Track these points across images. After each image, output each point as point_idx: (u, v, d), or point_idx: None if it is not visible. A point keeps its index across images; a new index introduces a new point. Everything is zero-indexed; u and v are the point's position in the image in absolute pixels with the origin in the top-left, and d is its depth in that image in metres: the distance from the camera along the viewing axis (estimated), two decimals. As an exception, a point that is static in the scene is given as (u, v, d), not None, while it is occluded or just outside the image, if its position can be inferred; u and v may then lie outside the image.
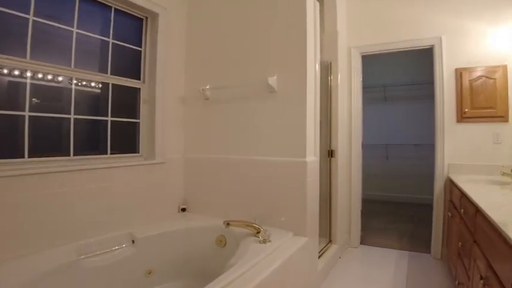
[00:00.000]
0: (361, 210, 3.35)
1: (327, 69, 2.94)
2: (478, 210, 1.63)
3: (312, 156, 2.15)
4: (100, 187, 1.99)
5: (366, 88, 5.24)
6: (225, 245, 2.22)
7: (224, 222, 2.08)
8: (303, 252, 1.99)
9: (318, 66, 2.24)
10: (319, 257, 2.50)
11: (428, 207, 3.08)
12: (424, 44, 3.01)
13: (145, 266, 2.05)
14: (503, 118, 2.75)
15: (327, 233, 2.91)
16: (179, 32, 2.63)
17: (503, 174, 2.46)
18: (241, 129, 2.37)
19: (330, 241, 2.89)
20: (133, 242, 2.03)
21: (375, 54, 3.30)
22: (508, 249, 1.10)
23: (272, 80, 2.18)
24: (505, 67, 2.73)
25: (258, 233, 1.94)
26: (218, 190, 2.45)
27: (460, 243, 1.98)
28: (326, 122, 2.94)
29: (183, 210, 2.63)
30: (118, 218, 2.09)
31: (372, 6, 3.26)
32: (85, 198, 1.90)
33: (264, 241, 1.87)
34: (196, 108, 2.62)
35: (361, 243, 3.31)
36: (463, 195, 2.03)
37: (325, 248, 2.72)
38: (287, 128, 2.15)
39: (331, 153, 2.93)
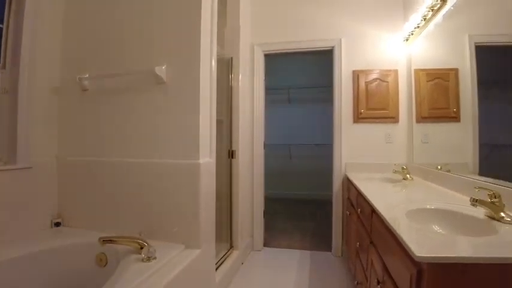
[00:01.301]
0: (265, 211, 3.25)
1: (228, 66, 2.74)
2: (373, 211, 1.61)
3: (207, 158, 1.91)
4: None
5: (271, 90, 5.25)
6: (106, 264, 1.85)
7: (99, 239, 1.70)
8: (196, 266, 1.74)
9: (214, 60, 2.00)
10: (218, 267, 2.28)
11: (331, 204, 3.15)
12: (325, 45, 3.05)
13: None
14: (395, 119, 2.94)
15: (228, 239, 2.72)
16: (54, 11, 2.13)
17: (395, 172, 2.59)
18: (125, 127, 1.99)
19: (232, 247, 2.71)
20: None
21: (279, 54, 3.23)
22: (402, 253, 1.03)
23: (160, 70, 1.87)
24: (396, 71, 2.92)
25: (141, 249, 1.63)
26: (99, 199, 2.04)
27: (358, 243, 1.98)
28: (227, 121, 2.75)
29: (57, 224, 2.14)
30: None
31: (277, 4, 3.19)
32: None
33: (148, 259, 1.57)
34: (73, 101, 2.14)
35: (264, 246, 3.21)
36: (359, 194, 2.04)
37: (225, 255, 2.52)
38: (178, 125, 1.86)
39: (231, 154, 2.74)
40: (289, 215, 4.62)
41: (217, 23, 2.08)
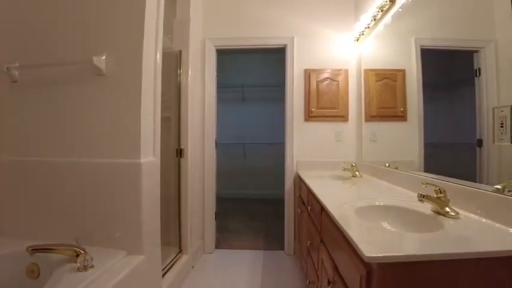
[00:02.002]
0: (216, 212, 3.15)
1: (176, 60, 2.59)
2: (323, 209, 1.58)
3: (150, 157, 1.76)
4: None
5: (225, 88, 5.20)
6: (38, 275, 1.63)
7: (27, 248, 1.49)
8: (138, 274, 1.59)
9: (159, 53, 1.86)
10: (165, 273, 2.14)
11: (283, 202, 3.12)
12: (278, 43, 3.02)
13: None
14: (344, 118, 2.98)
15: (176, 242, 2.57)
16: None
17: (345, 169, 2.62)
18: (60, 122, 1.77)
19: (181, 251, 2.56)
20: None
21: (232, 51, 3.16)
22: (351, 252, 0.98)
23: (99, 60, 1.69)
24: (346, 71, 2.97)
25: (77, 257, 1.45)
26: (31, 204, 1.79)
27: (309, 241, 1.95)
28: (175, 118, 2.60)
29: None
30: None
31: (230, -2, 3.10)
32: None
33: (85, 268, 1.40)
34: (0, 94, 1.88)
35: (216, 248, 3.11)
36: (310, 192, 2.01)
37: (174, 260, 2.38)
38: (117, 121, 1.69)
39: (180, 153, 2.60)
40: (243, 214, 4.55)
41: (166, 12, 1.94)
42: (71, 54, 1.76)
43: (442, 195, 1.23)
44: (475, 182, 1.44)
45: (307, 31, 2.99)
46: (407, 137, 2.18)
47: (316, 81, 2.95)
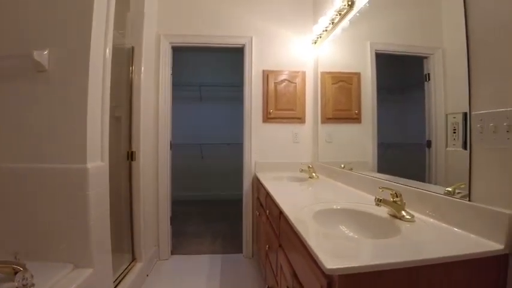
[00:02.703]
0: (172, 216, 3.02)
1: (128, 56, 2.44)
2: (281, 213, 1.55)
3: (98, 161, 1.62)
4: None
5: (182, 86, 5.07)
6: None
7: (-50, 267, 1.30)
8: (85, 290, 1.45)
9: (109, 48, 1.72)
10: (118, 284, 2.00)
11: (242, 203, 3.07)
12: (237, 42, 2.96)
13: None
14: (301, 120, 3.00)
15: (129, 250, 2.42)
16: None
17: (302, 170, 2.63)
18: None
19: (134, 259, 2.41)
20: None
21: (189, 48, 3.04)
22: (311, 261, 0.96)
23: (41, 55, 1.52)
24: (304, 73, 2.99)
25: (15, 274, 1.28)
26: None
27: (267, 245, 1.92)
28: (126, 118, 2.43)
29: None
30: None
31: (188, -6, 2.98)
32: None
33: (24, 287, 1.25)
34: None
35: (172, 254, 2.98)
36: (268, 195, 1.99)
37: (127, 270, 2.23)
38: (61, 122, 1.53)
39: (131, 156, 2.44)
40: (201, 217, 4.43)
41: (118, 5, 1.81)
42: (6, 48, 1.57)
43: (398, 199, 1.25)
44: (424, 181, 1.52)
45: (266, 31, 2.97)
46: (361, 138, 2.24)
47: (274, 82, 2.94)
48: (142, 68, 2.47)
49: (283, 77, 2.95)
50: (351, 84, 2.48)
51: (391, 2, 1.79)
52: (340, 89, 2.60)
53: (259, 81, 2.96)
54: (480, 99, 1.03)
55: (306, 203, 1.54)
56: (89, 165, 1.51)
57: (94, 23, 1.56)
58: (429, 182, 1.52)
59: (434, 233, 1.05)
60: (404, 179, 1.61)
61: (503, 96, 0.94)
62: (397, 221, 1.20)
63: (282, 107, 2.96)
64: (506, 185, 0.94)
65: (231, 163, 5.49)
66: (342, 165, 2.35)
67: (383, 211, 1.31)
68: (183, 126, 5.20)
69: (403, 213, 1.22)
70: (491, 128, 0.97)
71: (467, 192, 1.10)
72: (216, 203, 5.29)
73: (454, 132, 1.14)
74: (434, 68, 1.58)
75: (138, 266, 2.38)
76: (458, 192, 1.16)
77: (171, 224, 2.97)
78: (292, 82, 2.96)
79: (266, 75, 2.93)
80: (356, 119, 2.39)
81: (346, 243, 1.01)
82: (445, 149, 1.23)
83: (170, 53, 2.91)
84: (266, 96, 2.94)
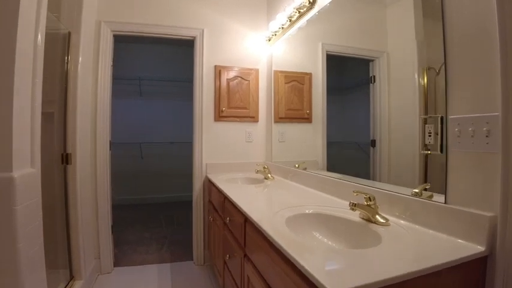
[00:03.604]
0: (113, 224, 2.71)
1: (64, 44, 2.10)
2: (247, 220, 1.45)
3: (27, 168, 1.34)
4: None
5: (119, 79, 4.57)
6: None
7: None
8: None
9: (42, 34, 1.43)
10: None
11: (188, 205, 2.89)
12: (187, 34, 2.74)
13: None
14: (254, 118, 2.91)
15: (66, 267, 2.10)
16: None
17: (257, 171, 2.55)
18: None
19: (73, 277, 2.10)
20: None
21: (132, 38, 2.75)
22: (296, 277, 0.87)
23: None
24: (257, 71, 2.90)
25: None
26: None
27: (227, 255, 1.79)
28: (60, 115, 2.11)
29: None
30: None
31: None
32: None
33: None
34: None
35: (115, 266, 2.67)
36: (227, 199, 1.87)
37: (63, 290, 1.94)
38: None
39: (66, 158, 2.11)
40: (144, 222, 4.09)
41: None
42: None
43: (371, 202, 1.22)
44: (368, 179, 1.63)
45: (219, 25, 2.81)
46: (312, 138, 2.28)
47: (227, 79, 2.81)
48: (80, 58, 2.14)
49: (236, 73, 2.83)
50: (303, 84, 2.50)
51: (348, 4, 1.81)
52: (293, 88, 2.59)
53: (211, 77, 2.79)
54: (457, 104, 1.03)
55: (274, 208, 1.45)
56: (16, 173, 1.24)
57: (22, 3, 1.28)
58: (373, 180, 1.61)
59: (416, 238, 1.03)
60: (355, 178, 1.68)
61: (481, 101, 0.95)
62: (372, 225, 1.18)
63: (235, 105, 2.84)
64: (484, 188, 0.95)
65: (175, 163, 5.22)
66: (296, 165, 2.34)
67: (355, 215, 1.28)
68: (120, 124, 4.74)
69: (378, 217, 1.20)
70: (469, 132, 0.98)
71: (431, 194, 1.15)
72: (159, 206, 4.97)
73: (429, 136, 1.15)
74: (379, 70, 1.65)
75: (78, 285, 2.07)
76: (430, 195, 1.18)
77: (112, 232, 2.67)
78: (245, 79, 2.86)
79: (218, 71, 2.78)
80: (307, 118, 2.41)
81: (336, 257, 0.93)
82: (419, 152, 1.23)
83: (112, 42, 2.58)
84: (218, 93, 2.79)
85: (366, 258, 0.88)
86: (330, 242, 1.25)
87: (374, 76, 1.67)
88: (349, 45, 1.97)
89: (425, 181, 1.30)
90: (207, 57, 2.76)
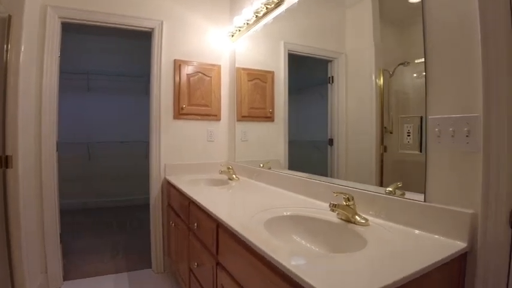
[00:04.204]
0: (61, 232, 2.44)
1: (3, 29, 1.81)
2: (219, 226, 1.37)
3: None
4: None
5: (64, 73, 4.19)
6: None
7: None
8: None
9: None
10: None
11: (143, 208, 2.71)
12: (144, 25, 2.54)
13: None
14: (216, 117, 2.81)
15: (8, 284, 1.84)
16: None
17: (221, 172, 2.46)
18: None
19: (14, 296, 1.86)
20: None
21: (83, 27, 2.49)
22: (281, 282, 0.83)
23: None
24: (219, 67, 2.79)
25: None
26: None
27: (195, 263, 1.68)
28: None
29: None
30: None
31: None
32: None
33: None
34: None
35: (65, 280, 2.39)
36: (192, 203, 1.76)
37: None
38: None
39: (6, 161, 1.83)
40: (96, 228, 3.78)
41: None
42: None
43: (351, 202, 1.21)
44: (326, 175, 1.69)
45: (179, 17, 2.65)
46: (275, 137, 2.28)
47: (187, 74, 2.67)
48: (22, 47, 1.87)
49: (197, 69, 2.70)
50: (266, 82, 2.48)
51: (314, 4, 1.83)
52: (256, 86, 2.55)
53: (170, 72, 2.63)
54: (437, 104, 1.05)
55: (249, 211, 1.38)
56: None
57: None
58: (331, 177, 1.67)
59: (400, 238, 1.03)
60: (323, 177, 1.70)
61: (461, 102, 0.97)
62: (352, 225, 1.16)
63: (196, 102, 2.71)
64: (464, 186, 0.97)
65: (128, 164, 4.93)
66: (261, 165, 2.31)
67: (333, 215, 1.26)
68: (67, 121, 4.31)
69: (357, 217, 1.18)
70: (450, 132, 1.00)
71: (403, 192, 1.17)
72: (111, 211, 4.64)
73: (408, 135, 1.16)
74: (337, 71, 1.69)
75: (20, 305, 1.84)
76: (400, 192, 1.20)
77: (60, 241, 2.40)
78: (207, 76, 2.74)
79: (178, 65, 2.63)
80: (270, 117, 2.42)
81: (329, 263, 0.88)
82: (397, 152, 1.24)
83: (59, 30, 2.30)
84: (178, 89, 2.64)
85: (360, 264, 0.85)
86: (315, 247, 1.20)
87: (332, 76, 1.72)
88: (310, 45, 2.00)
89: (382, 178, 1.37)
90: (166, 51, 2.60)
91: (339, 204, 1.19)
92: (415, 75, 1.22)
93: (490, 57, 0.90)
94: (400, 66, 1.28)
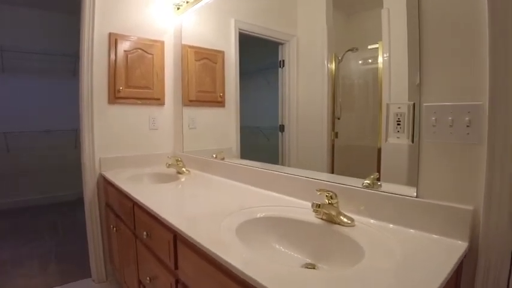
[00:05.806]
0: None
1: None
2: (177, 237, 1.12)
3: None
4: None
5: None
6: None
7: None
8: None
9: None
10: None
11: (75, 205, 2.32)
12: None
13: None
14: (160, 101, 2.47)
15: None
16: None
17: (169, 165, 2.16)
18: None
19: None
20: None
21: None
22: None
23: None
24: (162, 43, 2.43)
25: None
26: None
27: (147, 277, 1.40)
28: None
29: None
30: None
31: None
32: None
33: None
34: None
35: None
36: (137, 206, 1.48)
37: None
38: None
39: None
40: (20, 233, 3.20)
41: None
42: None
43: (334, 201, 1.04)
44: (277, 163, 1.66)
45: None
46: (226, 123, 2.15)
47: (125, 51, 2.25)
48: None
49: (136, 45, 2.29)
50: (216, 63, 2.29)
51: None
52: (205, 67, 2.32)
53: (104, 48, 2.18)
54: (433, 90, 0.91)
55: (214, 217, 1.14)
56: None
57: None
58: (282, 165, 1.63)
59: (397, 241, 0.89)
60: (270, 165, 1.63)
61: (462, 89, 0.86)
62: (337, 226, 1.01)
63: (136, 83, 2.32)
64: (463, 181, 0.88)
65: (55, 156, 4.31)
66: (214, 155, 2.11)
67: (311, 215, 1.09)
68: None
69: (342, 217, 1.02)
70: (448, 121, 0.88)
71: (380, 184, 1.10)
72: (36, 211, 3.99)
73: (399, 124, 1.01)
74: (289, 54, 1.61)
75: None
76: (379, 185, 1.10)
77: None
78: (148, 53, 2.36)
79: (114, 40, 2.21)
80: (220, 102, 2.24)
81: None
82: (385, 142, 1.08)
83: None
84: (114, 69, 2.22)
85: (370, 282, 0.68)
86: (306, 258, 1.01)
87: (283, 60, 1.66)
88: (261, 25, 1.89)
89: (333, 165, 1.34)
90: (99, 23, 2.14)
91: (323, 204, 1.02)
92: (360, 62, 1.23)
93: (497, 32, 0.77)
94: (349, 52, 1.26)
